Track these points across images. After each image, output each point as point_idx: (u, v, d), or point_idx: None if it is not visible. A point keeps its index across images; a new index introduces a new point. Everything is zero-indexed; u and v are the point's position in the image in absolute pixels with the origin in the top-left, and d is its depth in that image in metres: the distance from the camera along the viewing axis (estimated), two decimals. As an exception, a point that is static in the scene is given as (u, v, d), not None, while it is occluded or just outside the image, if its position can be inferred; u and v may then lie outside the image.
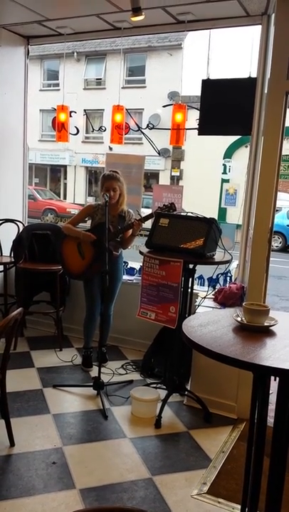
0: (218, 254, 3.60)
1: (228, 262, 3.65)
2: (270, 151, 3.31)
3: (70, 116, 4.84)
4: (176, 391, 3.75)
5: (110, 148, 11.73)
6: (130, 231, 4.03)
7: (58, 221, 5.66)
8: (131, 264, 4.88)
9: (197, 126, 4.12)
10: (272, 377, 2.00)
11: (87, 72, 21.44)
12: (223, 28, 4.14)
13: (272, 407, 1.99)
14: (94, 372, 4.07)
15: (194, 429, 3.40)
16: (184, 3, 3.74)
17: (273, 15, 3.38)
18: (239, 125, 3.97)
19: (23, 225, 5.18)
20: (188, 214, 3.68)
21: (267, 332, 2.01)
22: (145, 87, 19.47)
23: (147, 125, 4.86)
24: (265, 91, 3.59)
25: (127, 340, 4.74)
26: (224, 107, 3.96)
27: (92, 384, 3.75)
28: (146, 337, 4.33)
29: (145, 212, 4.24)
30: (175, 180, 18.81)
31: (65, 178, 23.47)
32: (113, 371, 4.18)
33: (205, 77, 4.08)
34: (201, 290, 4.27)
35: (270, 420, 2.00)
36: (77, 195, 22.40)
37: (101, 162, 19.87)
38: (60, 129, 4.80)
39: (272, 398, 1.99)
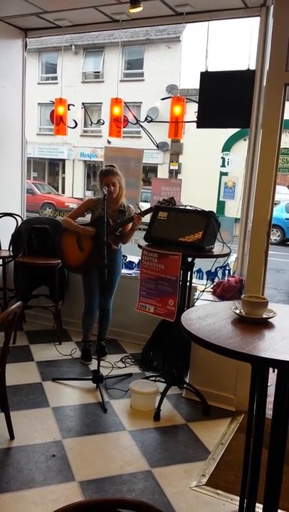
0: (217, 248, 3.60)
1: (227, 255, 3.66)
2: (268, 144, 3.30)
3: (69, 109, 4.82)
4: (174, 384, 3.76)
5: (109, 142, 11.71)
6: (130, 225, 4.02)
7: (56, 215, 5.65)
8: (130, 258, 4.88)
9: (196, 119, 4.11)
10: (271, 369, 2.00)
11: (85, 66, 21.36)
12: (222, 20, 4.11)
13: (270, 399, 2.00)
14: (93, 365, 4.08)
15: (193, 421, 3.41)
16: (183, -5, 3.72)
17: (272, 6, 3.36)
18: (238, 118, 3.95)
19: (22, 219, 5.17)
20: (187, 207, 3.68)
21: (265, 324, 2.01)
22: (143, 80, 19.40)
23: (146, 118, 4.85)
24: (264, 83, 3.57)
25: (126, 334, 4.74)
26: (223, 99, 3.94)
27: (91, 377, 3.76)
28: (145, 330, 4.33)
29: (144, 205, 4.23)
30: (174, 173, 18.78)
31: (64, 172, 23.44)
32: (112, 364, 4.19)
33: (203, 70, 4.06)
34: (199, 283, 4.27)
35: (269, 412, 2.02)
36: (75, 189, 22.37)
37: (99, 156, 19.84)
38: (58, 122, 4.79)
39: (271, 390, 2.00)
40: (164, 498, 2.59)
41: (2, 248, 5.08)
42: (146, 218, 3.96)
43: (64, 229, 4.12)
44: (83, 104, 6.36)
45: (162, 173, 19.32)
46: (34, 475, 2.72)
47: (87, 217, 4.23)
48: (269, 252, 3.47)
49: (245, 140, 4.42)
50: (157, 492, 2.64)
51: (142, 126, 4.82)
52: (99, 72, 21.02)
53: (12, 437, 3.03)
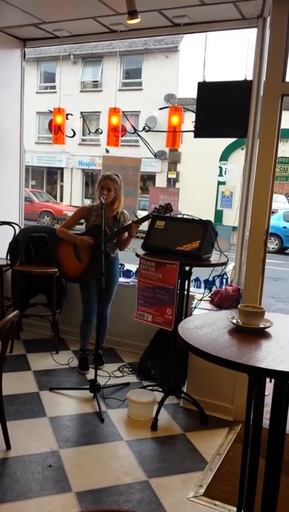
0: (215, 256, 3.60)
1: (224, 264, 3.66)
2: (265, 153, 3.31)
3: (67, 118, 4.84)
4: (172, 393, 3.75)
5: (107, 151, 11.72)
6: (127, 233, 4.02)
7: (54, 223, 5.65)
8: (127, 267, 4.88)
9: (193, 129, 4.14)
10: (268, 379, 2.00)
11: (83, 75, 21.48)
12: (219, 31, 4.15)
13: (267, 408, 1.99)
14: (90, 374, 4.07)
15: (190, 431, 3.39)
16: (180, 6, 3.75)
17: (269, 18, 3.40)
18: (235, 127, 3.98)
19: (20, 227, 5.17)
20: (185, 216, 3.69)
21: (262, 334, 2.01)
22: (142, 89, 19.51)
23: (144, 127, 4.86)
24: (261, 93, 3.60)
25: (123, 343, 4.73)
26: (220, 109, 3.97)
27: (88, 387, 3.75)
28: (143, 339, 4.32)
29: (141, 214, 4.24)
30: (172, 182, 18.83)
31: (62, 181, 23.49)
32: (109, 374, 4.17)
33: (201, 80, 4.09)
34: (197, 292, 4.28)
35: (266, 422, 2.01)
36: (73, 197, 22.40)
37: (98, 164, 19.89)
38: (56, 131, 4.81)
39: (268, 400, 1.99)
40: (161, 509, 2.58)
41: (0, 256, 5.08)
42: (144, 226, 3.97)
43: (60, 239, 4.10)
44: (81, 113, 6.39)
45: (160, 181, 19.36)
46: (31, 485, 2.70)
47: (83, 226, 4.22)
48: (267, 260, 3.47)
49: (242, 149, 4.44)
50: (154, 503, 2.62)
51: (139, 136, 4.83)
52: (97, 81, 21.14)
53: (8, 447, 3.01)
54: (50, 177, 24.08)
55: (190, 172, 17.66)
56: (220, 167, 4.70)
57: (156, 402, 3.54)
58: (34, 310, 4.91)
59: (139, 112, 17.50)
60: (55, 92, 17.58)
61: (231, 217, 4.30)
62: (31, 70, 20.27)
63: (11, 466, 2.87)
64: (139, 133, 4.83)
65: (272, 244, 14.18)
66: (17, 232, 4.98)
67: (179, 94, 4.95)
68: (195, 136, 4.14)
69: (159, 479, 2.83)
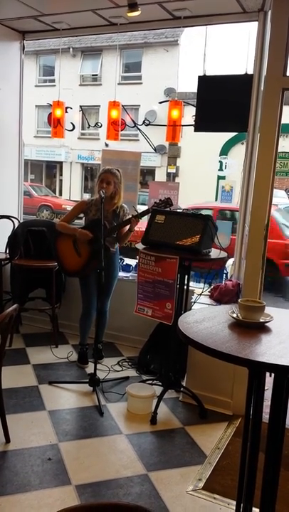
0: (214, 251, 3.60)
1: (224, 259, 3.66)
2: (266, 148, 3.30)
3: (66, 112, 4.82)
4: (171, 387, 3.76)
5: (106, 145, 11.69)
6: (126, 227, 4.02)
7: (53, 217, 5.64)
8: (127, 261, 4.88)
9: (193, 123, 4.12)
10: (268, 373, 2.00)
11: (83, 68, 21.39)
12: (220, 25, 4.13)
13: (267, 403, 2.00)
14: (90, 368, 4.07)
15: (190, 425, 3.40)
16: (181, -1, 3.73)
17: (270, 11, 3.38)
18: (235, 122, 3.96)
19: (19, 221, 5.16)
20: (184, 211, 3.68)
21: (262, 328, 2.01)
22: (141, 83, 19.44)
23: (143, 121, 4.85)
24: (262, 88, 3.58)
25: (122, 337, 4.74)
26: (220, 103, 3.95)
27: (87, 380, 3.75)
28: (142, 334, 4.33)
29: (141, 209, 4.23)
30: (171, 176, 18.80)
31: (61, 175, 23.44)
32: (109, 368, 4.18)
33: (201, 74, 4.07)
34: (197, 287, 4.28)
35: (266, 416, 2.01)
36: (72, 191, 22.37)
37: (97, 158, 19.85)
38: (55, 125, 4.79)
39: (268, 394, 2.00)
40: (160, 502, 2.59)
41: (-1, 250, 5.07)
42: (143, 218, 3.96)
43: (59, 233, 4.09)
44: (81, 106, 6.36)
45: (160, 176, 19.33)
46: (30, 478, 2.71)
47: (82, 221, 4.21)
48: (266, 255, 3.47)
49: (242, 144, 4.43)
50: (154, 496, 2.63)
51: (139, 130, 4.82)
52: (97, 75, 21.05)
53: (8, 441, 3.02)
54: (49, 171, 24.03)
55: (190, 166, 17.62)
56: (220, 161, 4.70)
57: (155, 396, 3.55)
58: (33, 304, 4.91)
59: (139, 105, 17.45)
60: (54, 86, 17.54)
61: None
62: (30, 63, 20.19)
63: (10, 459, 2.87)
64: (138, 127, 4.81)
65: (272, 239, 14.15)
66: (16, 226, 4.97)
67: (179, 88, 4.93)
68: (195, 131, 4.13)
69: (158, 473, 2.84)
